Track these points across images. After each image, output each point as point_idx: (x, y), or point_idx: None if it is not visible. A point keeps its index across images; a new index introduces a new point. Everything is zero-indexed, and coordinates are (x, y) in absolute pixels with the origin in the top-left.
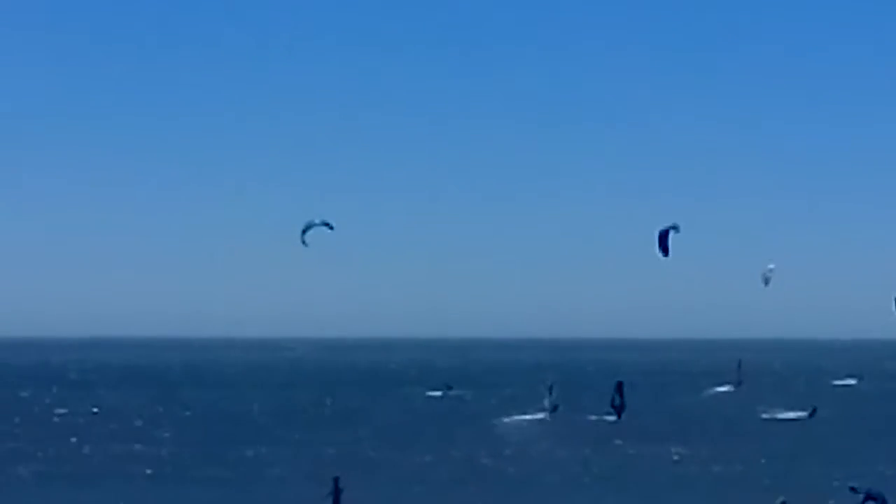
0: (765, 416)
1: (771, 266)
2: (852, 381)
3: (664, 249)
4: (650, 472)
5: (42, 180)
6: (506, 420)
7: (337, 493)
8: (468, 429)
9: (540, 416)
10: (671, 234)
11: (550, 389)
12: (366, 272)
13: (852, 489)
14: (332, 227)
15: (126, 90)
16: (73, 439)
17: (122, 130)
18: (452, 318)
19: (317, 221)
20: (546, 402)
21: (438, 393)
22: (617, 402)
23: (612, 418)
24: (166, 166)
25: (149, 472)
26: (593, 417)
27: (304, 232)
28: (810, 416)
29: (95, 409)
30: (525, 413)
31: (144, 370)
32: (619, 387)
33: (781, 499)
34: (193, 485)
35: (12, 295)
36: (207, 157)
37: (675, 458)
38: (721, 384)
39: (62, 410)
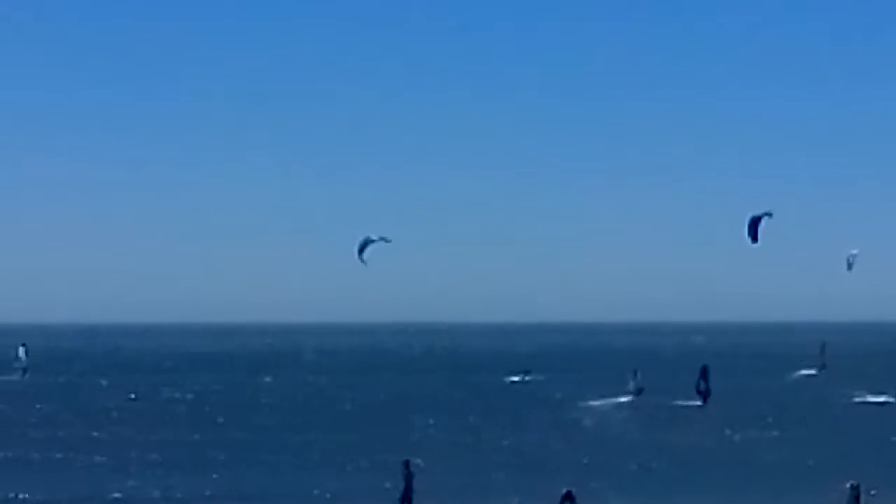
0: (857, 399)
1: (854, 251)
2: None
3: (754, 236)
4: (737, 457)
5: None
6: (587, 404)
7: (408, 477)
8: (548, 414)
9: (624, 399)
10: (763, 221)
11: (635, 373)
12: (435, 257)
13: None
14: (389, 241)
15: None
16: (180, 425)
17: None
18: (526, 303)
19: (374, 237)
20: (631, 386)
21: (516, 378)
22: (702, 386)
23: (697, 403)
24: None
25: (224, 458)
26: (678, 402)
27: (361, 251)
28: None
29: (190, 395)
30: (608, 397)
31: (219, 356)
32: (704, 371)
33: (852, 482)
34: (266, 469)
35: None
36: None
37: (763, 442)
38: (805, 367)
39: (164, 394)
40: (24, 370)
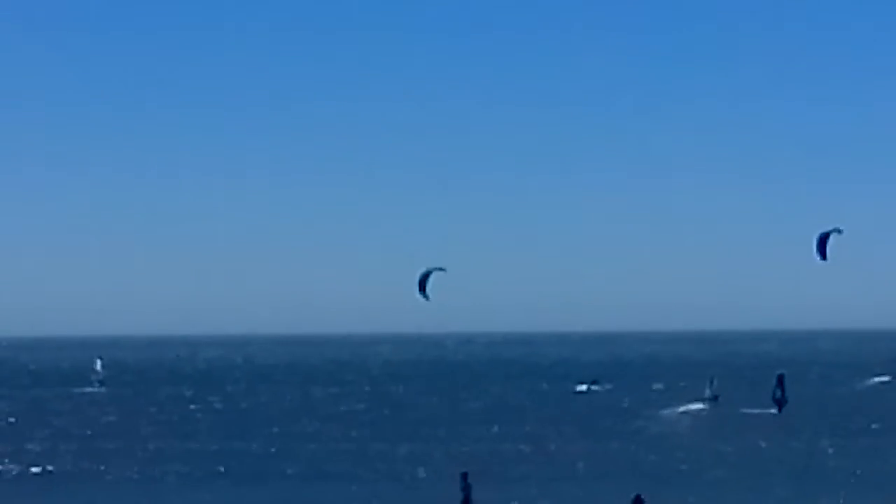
0: None
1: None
2: None
3: (822, 254)
4: (812, 466)
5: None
6: (657, 412)
7: (467, 489)
8: (616, 422)
9: (699, 406)
10: (832, 238)
11: (712, 380)
12: (503, 267)
13: None
14: (444, 270)
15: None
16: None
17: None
18: (592, 312)
19: (430, 270)
20: (707, 393)
21: (583, 387)
22: (778, 394)
23: (772, 411)
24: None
25: (293, 470)
26: (753, 410)
27: (423, 287)
28: None
29: (244, 405)
30: (680, 405)
31: (273, 368)
32: (781, 379)
33: None
34: (331, 479)
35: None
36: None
37: (837, 451)
38: (879, 375)
39: (242, 404)
40: (101, 382)
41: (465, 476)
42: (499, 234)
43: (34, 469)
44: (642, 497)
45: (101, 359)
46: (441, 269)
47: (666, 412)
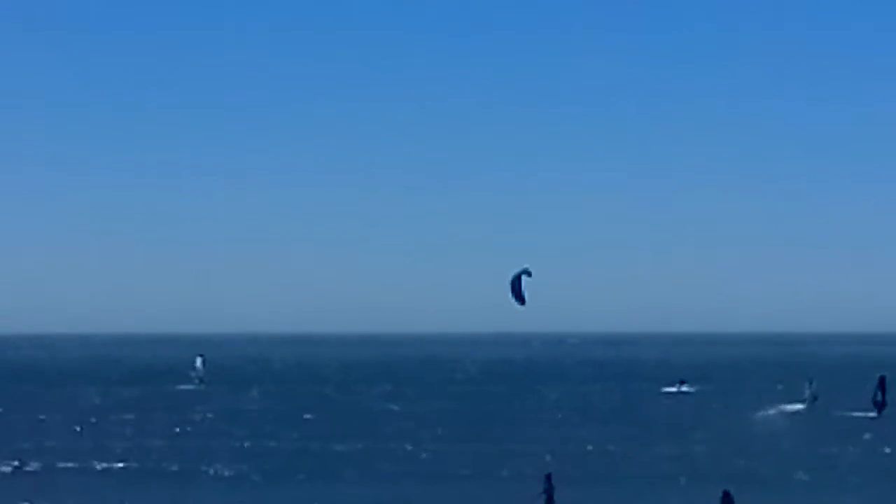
0: None
1: None
2: None
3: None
4: None
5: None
6: (751, 414)
7: (550, 490)
8: (707, 424)
9: (797, 406)
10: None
11: (811, 381)
12: (584, 267)
13: None
14: (530, 274)
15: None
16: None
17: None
18: (680, 313)
19: (520, 273)
20: (807, 393)
21: (672, 388)
22: (878, 397)
23: (871, 414)
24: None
25: (386, 469)
26: (852, 413)
27: (518, 295)
28: None
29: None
30: (777, 405)
31: (357, 366)
32: (882, 382)
33: None
34: (423, 481)
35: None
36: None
37: None
38: None
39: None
40: (201, 380)
41: (548, 477)
42: (591, 235)
43: (119, 465)
44: (730, 493)
45: (201, 356)
46: (528, 273)
47: (760, 413)
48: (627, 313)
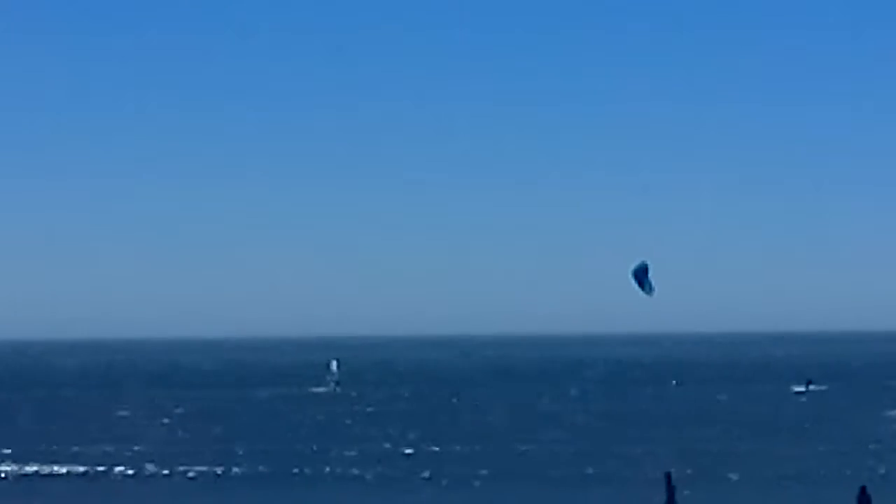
0: None
1: None
2: None
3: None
4: None
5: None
6: (884, 414)
7: (670, 489)
8: (837, 423)
9: None
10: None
11: None
12: (717, 268)
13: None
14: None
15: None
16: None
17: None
18: (805, 313)
19: (641, 265)
20: None
21: (801, 388)
22: None
23: None
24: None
25: (490, 471)
26: None
27: (646, 284)
28: None
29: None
30: None
31: (482, 369)
32: None
33: None
34: (546, 483)
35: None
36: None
37: None
38: None
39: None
40: (337, 383)
41: (668, 476)
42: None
43: (263, 468)
44: (867, 488)
45: (337, 360)
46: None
47: (891, 412)
48: (750, 313)
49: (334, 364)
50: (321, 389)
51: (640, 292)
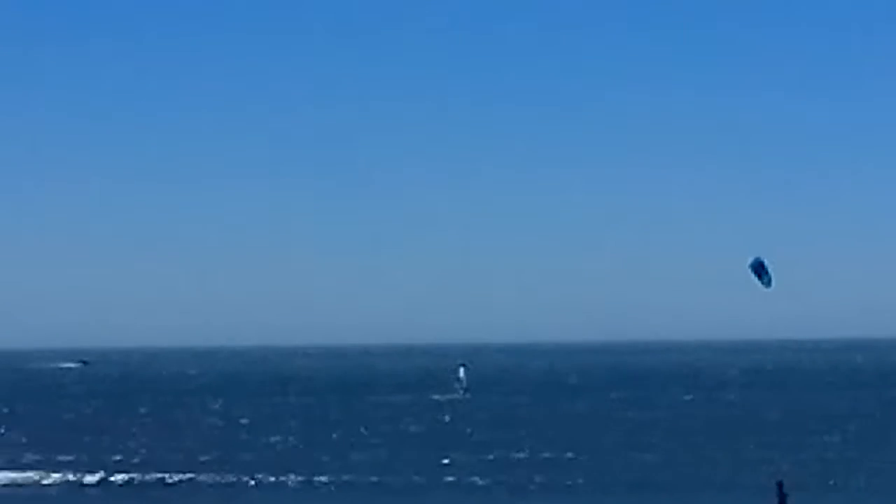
0: None
1: None
2: None
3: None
4: None
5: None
6: None
7: (782, 498)
8: None
9: None
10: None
11: None
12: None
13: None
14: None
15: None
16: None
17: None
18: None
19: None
20: None
21: None
22: None
23: None
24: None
25: (583, 480)
26: None
27: (766, 276)
28: None
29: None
30: None
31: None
32: None
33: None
34: (647, 490)
35: None
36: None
37: None
38: None
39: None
40: (465, 389)
41: (780, 485)
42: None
43: (373, 478)
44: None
45: (464, 367)
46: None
47: None
48: (872, 318)
49: (462, 371)
50: (451, 396)
51: (759, 284)
